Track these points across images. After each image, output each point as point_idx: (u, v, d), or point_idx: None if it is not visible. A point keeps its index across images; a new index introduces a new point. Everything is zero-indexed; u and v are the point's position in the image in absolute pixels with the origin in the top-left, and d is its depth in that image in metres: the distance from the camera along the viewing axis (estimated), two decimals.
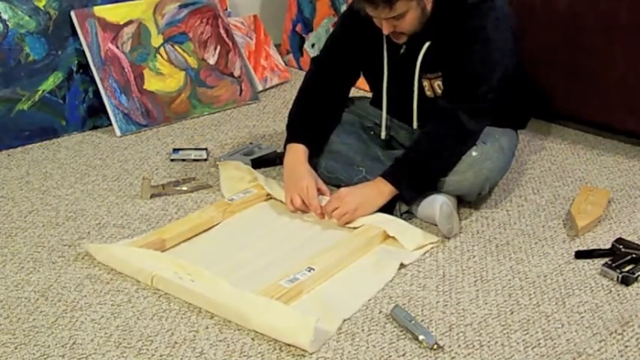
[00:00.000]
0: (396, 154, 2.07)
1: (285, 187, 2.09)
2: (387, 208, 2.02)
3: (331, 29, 3.21)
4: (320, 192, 2.06)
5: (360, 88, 2.55)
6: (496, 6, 1.97)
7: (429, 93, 2.07)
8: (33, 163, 2.43)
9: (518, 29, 2.06)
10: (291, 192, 2.05)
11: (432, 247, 1.93)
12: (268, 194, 2.17)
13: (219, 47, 2.96)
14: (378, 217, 1.99)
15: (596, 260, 1.87)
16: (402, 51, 2.07)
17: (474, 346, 1.57)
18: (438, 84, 2.05)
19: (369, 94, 2.32)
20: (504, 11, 2.00)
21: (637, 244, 1.91)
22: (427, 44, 2.01)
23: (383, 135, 2.21)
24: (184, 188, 2.23)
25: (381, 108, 2.20)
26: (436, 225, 1.98)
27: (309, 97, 2.22)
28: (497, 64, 2.00)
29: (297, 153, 2.12)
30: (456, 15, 1.96)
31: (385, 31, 1.96)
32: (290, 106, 2.27)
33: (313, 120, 2.18)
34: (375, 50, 2.11)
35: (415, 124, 2.11)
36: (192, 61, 2.89)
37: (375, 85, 2.23)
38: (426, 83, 2.06)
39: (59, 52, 2.65)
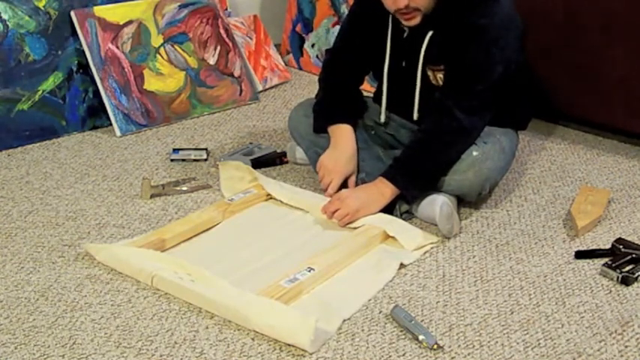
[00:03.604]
0: (397, 154, 2.07)
1: (324, 160, 2.12)
2: (387, 208, 2.02)
3: (331, 29, 3.23)
4: (346, 185, 2.12)
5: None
6: (502, 5, 1.97)
7: (434, 82, 2.07)
8: (33, 163, 2.43)
9: (523, 29, 2.06)
10: (325, 169, 2.11)
11: (432, 247, 1.93)
12: (268, 194, 2.17)
13: (219, 47, 2.96)
14: (378, 217, 1.99)
15: (596, 260, 1.87)
16: (405, 35, 2.07)
17: (473, 346, 1.57)
18: (439, 77, 2.05)
19: (369, 94, 2.33)
20: (510, 11, 2.00)
21: (637, 244, 1.91)
22: (430, 33, 2.01)
23: (383, 118, 2.20)
24: (184, 188, 2.23)
25: (381, 101, 2.20)
26: (436, 225, 1.98)
27: (332, 82, 2.26)
28: (497, 64, 1.99)
29: (344, 132, 2.15)
30: (462, 10, 1.96)
31: (401, 4, 1.93)
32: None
33: (346, 100, 2.22)
34: (379, 36, 2.11)
35: (416, 115, 2.11)
36: (192, 61, 2.89)
37: (377, 72, 2.22)
38: (430, 73, 2.07)
39: (59, 52, 2.65)
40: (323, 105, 2.23)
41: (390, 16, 2.07)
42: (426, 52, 2.03)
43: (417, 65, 2.06)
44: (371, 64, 2.25)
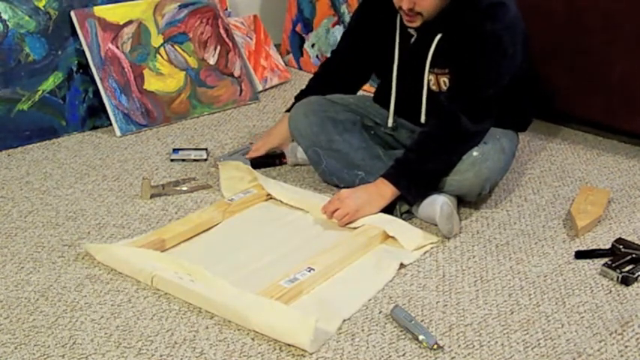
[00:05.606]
0: (397, 154, 2.07)
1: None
2: (387, 208, 2.02)
3: (331, 29, 3.23)
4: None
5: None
6: (510, 11, 1.97)
7: (434, 87, 2.07)
8: (33, 163, 2.43)
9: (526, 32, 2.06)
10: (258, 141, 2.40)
11: (432, 247, 1.93)
12: (268, 194, 2.17)
13: (219, 47, 2.96)
14: (378, 217, 1.99)
15: (596, 260, 1.87)
16: (412, 40, 2.07)
17: (473, 346, 1.57)
18: (444, 80, 2.05)
19: (370, 93, 2.33)
20: (517, 16, 2.00)
21: (637, 244, 1.91)
22: (439, 36, 2.01)
23: (390, 123, 2.20)
24: (184, 188, 2.23)
25: (384, 103, 2.20)
26: (436, 225, 1.98)
27: (318, 80, 2.35)
28: (505, 70, 2.00)
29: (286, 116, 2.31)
30: (471, 15, 1.96)
31: (405, 6, 1.94)
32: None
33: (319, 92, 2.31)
34: (387, 39, 2.11)
35: (423, 119, 2.11)
36: (192, 61, 2.89)
37: (383, 75, 2.22)
38: (431, 77, 2.06)
39: (59, 52, 2.65)
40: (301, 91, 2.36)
41: (398, 19, 2.07)
42: (433, 55, 2.03)
43: (423, 68, 2.05)
44: (374, 67, 2.25)
